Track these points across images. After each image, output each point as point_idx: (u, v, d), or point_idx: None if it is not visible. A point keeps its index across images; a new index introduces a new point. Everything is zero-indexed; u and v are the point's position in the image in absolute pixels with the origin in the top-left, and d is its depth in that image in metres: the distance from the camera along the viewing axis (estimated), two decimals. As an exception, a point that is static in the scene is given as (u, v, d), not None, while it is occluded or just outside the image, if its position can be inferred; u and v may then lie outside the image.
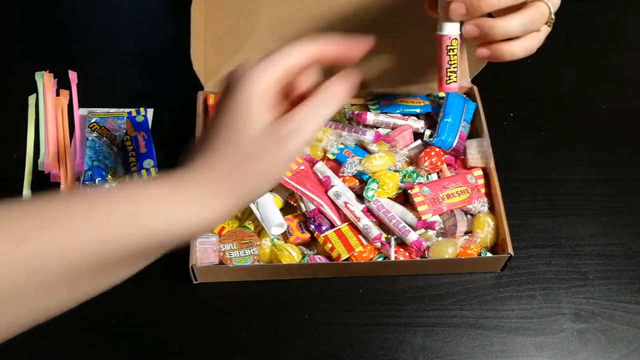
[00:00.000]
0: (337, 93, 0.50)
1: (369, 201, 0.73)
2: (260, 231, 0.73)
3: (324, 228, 0.71)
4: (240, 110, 0.48)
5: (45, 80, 0.85)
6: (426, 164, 0.76)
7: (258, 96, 0.48)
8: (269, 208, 0.71)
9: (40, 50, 0.91)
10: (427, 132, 0.79)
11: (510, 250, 0.69)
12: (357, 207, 0.72)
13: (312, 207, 0.72)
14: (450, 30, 0.62)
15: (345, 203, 0.72)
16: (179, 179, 0.48)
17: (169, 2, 1.00)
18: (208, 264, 0.69)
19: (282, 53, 0.50)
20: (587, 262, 0.74)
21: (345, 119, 0.80)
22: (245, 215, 0.75)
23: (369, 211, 0.73)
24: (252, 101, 0.48)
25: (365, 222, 0.71)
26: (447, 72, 0.64)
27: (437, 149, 0.76)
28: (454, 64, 0.64)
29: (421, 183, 0.74)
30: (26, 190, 0.77)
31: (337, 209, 0.73)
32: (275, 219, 0.70)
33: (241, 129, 0.48)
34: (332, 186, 0.73)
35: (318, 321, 0.69)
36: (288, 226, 0.72)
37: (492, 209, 0.74)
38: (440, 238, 0.72)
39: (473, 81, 0.82)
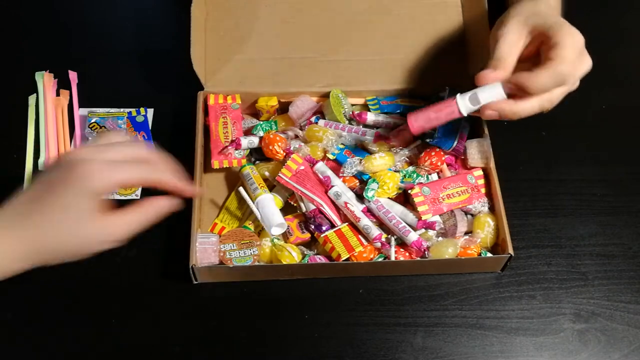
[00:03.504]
0: (155, 211, 0.58)
1: (369, 201, 0.73)
2: (260, 231, 0.73)
3: (324, 228, 0.71)
4: (72, 203, 0.54)
5: (45, 80, 0.85)
6: (426, 164, 0.76)
7: (94, 196, 0.54)
8: (269, 208, 0.71)
9: (40, 50, 0.91)
10: (427, 132, 0.79)
11: (511, 251, 0.69)
12: (357, 207, 0.72)
13: (312, 207, 0.72)
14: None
15: (345, 203, 0.72)
16: None
17: (169, 2, 1.00)
18: (208, 264, 0.69)
19: (127, 169, 0.56)
20: (587, 262, 0.74)
21: (345, 119, 0.80)
22: (246, 215, 0.75)
23: (369, 211, 0.73)
24: (86, 201, 0.54)
25: (365, 222, 0.71)
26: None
27: (437, 149, 0.76)
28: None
29: (421, 183, 0.74)
30: (26, 190, 0.77)
31: (337, 209, 0.73)
32: (275, 219, 0.70)
33: (65, 218, 0.54)
34: (332, 186, 0.73)
35: (318, 321, 0.69)
36: (288, 226, 0.72)
37: (492, 209, 0.74)
38: (440, 238, 0.72)
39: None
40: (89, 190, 0.54)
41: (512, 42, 0.65)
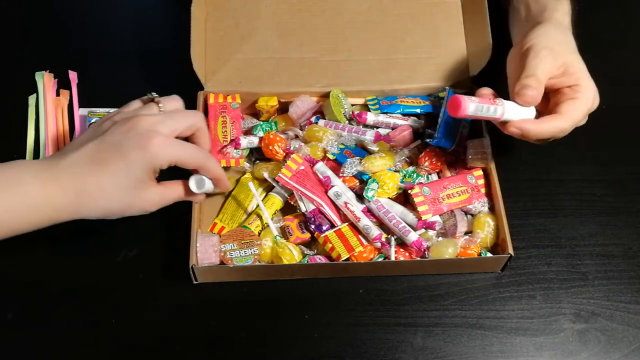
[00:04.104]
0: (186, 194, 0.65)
1: (369, 201, 0.73)
2: (260, 231, 0.73)
3: (324, 228, 0.71)
4: (132, 172, 0.58)
5: (45, 80, 0.85)
6: (426, 164, 0.76)
7: (152, 168, 0.59)
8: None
9: (40, 50, 0.91)
10: (427, 132, 0.79)
11: (511, 251, 0.69)
12: (357, 207, 0.72)
13: (312, 207, 0.72)
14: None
15: (345, 203, 0.72)
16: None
17: (169, 2, 1.00)
18: (208, 264, 0.69)
19: (187, 150, 0.61)
20: (587, 262, 0.74)
21: (345, 119, 0.80)
22: (246, 215, 0.75)
23: (369, 211, 0.73)
24: (144, 172, 0.59)
25: (365, 222, 0.71)
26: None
27: (437, 149, 0.76)
28: None
29: (421, 183, 0.74)
30: (26, 191, 0.77)
31: (337, 209, 0.73)
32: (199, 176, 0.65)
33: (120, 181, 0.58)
34: (332, 186, 0.73)
35: (318, 321, 0.69)
36: (288, 226, 0.72)
37: (492, 209, 0.74)
38: (440, 238, 0.72)
39: (473, 81, 0.82)
40: (151, 163, 0.58)
41: (547, 66, 0.67)
